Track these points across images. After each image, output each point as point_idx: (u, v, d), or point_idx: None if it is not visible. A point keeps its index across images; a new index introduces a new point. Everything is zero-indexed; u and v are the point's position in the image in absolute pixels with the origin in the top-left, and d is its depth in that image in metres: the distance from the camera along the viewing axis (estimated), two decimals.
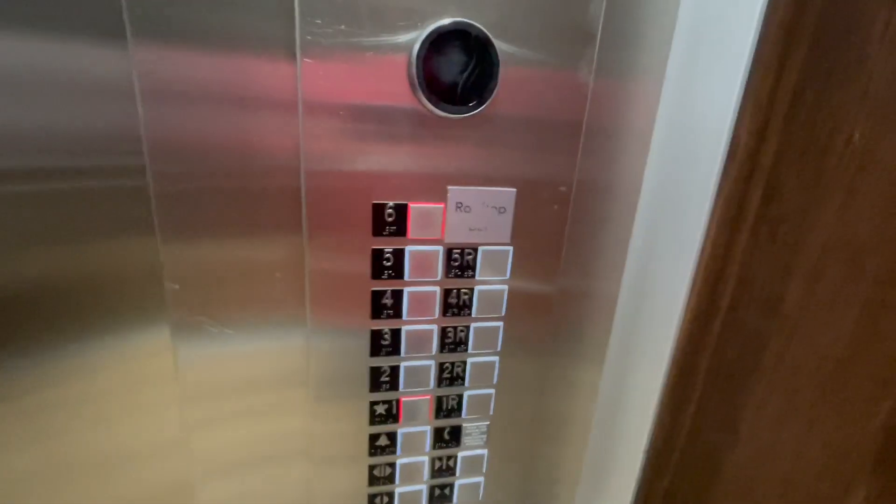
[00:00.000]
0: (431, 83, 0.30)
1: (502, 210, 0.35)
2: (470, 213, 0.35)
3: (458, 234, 0.35)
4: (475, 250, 0.36)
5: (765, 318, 0.31)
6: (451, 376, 0.39)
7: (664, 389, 0.40)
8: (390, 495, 0.42)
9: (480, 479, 0.44)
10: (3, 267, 0.29)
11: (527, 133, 0.34)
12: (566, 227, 0.37)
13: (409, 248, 0.35)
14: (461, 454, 0.42)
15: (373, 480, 0.41)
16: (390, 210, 0.33)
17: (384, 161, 0.32)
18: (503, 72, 0.31)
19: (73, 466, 0.35)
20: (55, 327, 0.31)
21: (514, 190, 0.35)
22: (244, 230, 0.33)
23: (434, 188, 0.34)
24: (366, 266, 0.34)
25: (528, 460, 0.45)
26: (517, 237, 0.36)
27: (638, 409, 0.44)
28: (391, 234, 0.34)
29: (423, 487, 0.43)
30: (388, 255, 0.34)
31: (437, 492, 0.43)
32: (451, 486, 0.43)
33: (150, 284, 0.32)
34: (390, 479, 0.41)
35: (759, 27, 0.30)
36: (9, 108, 0.27)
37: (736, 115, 0.33)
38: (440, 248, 0.35)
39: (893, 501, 0.26)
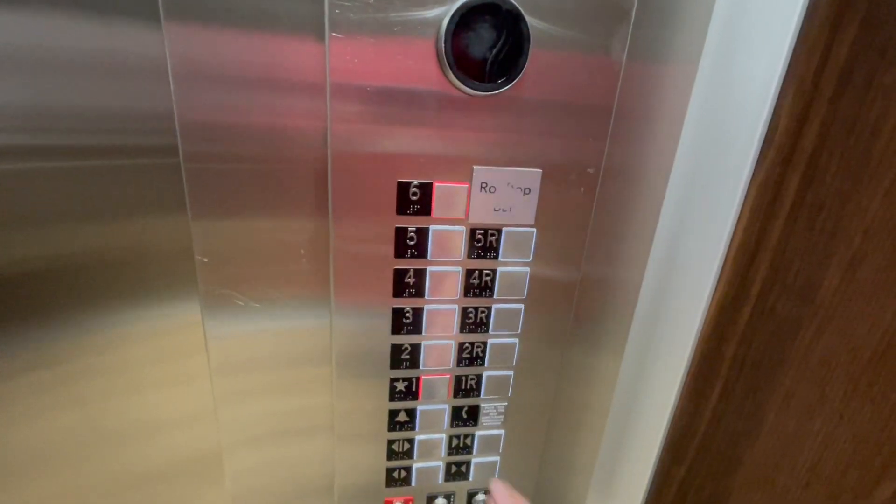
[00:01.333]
0: (460, 59, 0.30)
1: (527, 191, 0.35)
2: (494, 193, 0.34)
3: (482, 215, 0.35)
4: (499, 231, 0.36)
5: (798, 307, 0.30)
6: (470, 356, 0.40)
7: (686, 377, 0.39)
8: (408, 470, 0.43)
9: (497, 458, 0.44)
10: (41, 241, 0.30)
11: (555, 113, 0.33)
12: (592, 209, 0.37)
13: (432, 228, 0.35)
14: (478, 433, 0.43)
15: (391, 455, 0.42)
16: (415, 189, 0.33)
17: (410, 139, 0.32)
18: (533, 49, 0.31)
19: (106, 432, 0.36)
20: (90, 299, 0.33)
21: (540, 171, 0.35)
22: (271, 209, 0.33)
23: (459, 168, 0.34)
24: (389, 245, 0.35)
25: (545, 443, 0.45)
26: (542, 219, 0.36)
27: (658, 397, 0.43)
28: (415, 213, 0.34)
29: (440, 464, 0.43)
30: (411, 233, 0.35)
31: (454, 468, 0.44)
32: (468, 463, 0.44)
33: (183, 260, 0.33)
34: (408, 454, 0.42)
35: (807, 2, 0.29)
36: (45, 87, 0.28)
37: (776, 96, 0.32)
38: (464, 229, 0.35)
39: None
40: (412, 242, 0.35)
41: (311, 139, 0.32)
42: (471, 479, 0.45)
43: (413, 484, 0.44)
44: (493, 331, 0.39)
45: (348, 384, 0.39)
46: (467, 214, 0.35)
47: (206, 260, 0.34)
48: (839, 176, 0.28)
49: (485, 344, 0.39)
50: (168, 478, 0.39)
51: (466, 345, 0.39)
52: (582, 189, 0.36)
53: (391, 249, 0.35)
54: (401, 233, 0.34)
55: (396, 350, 0.38)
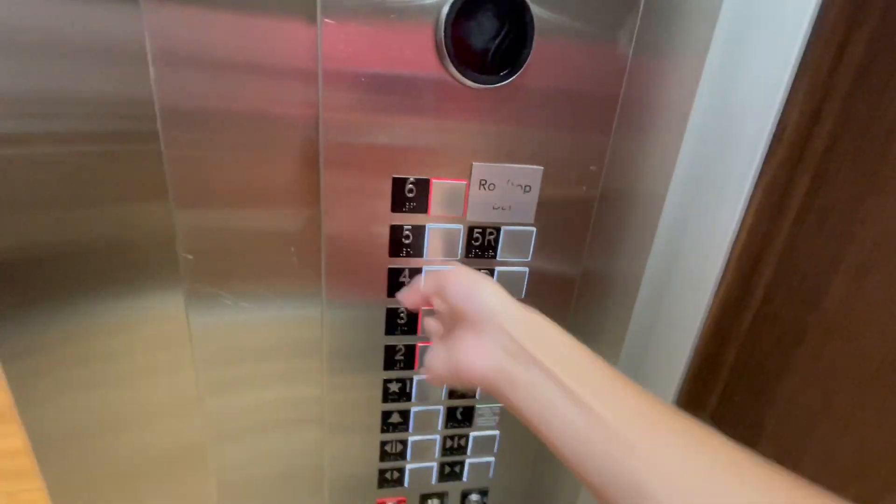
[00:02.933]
0: (460, 50, 0.28)
1: (528, 189, 0.34)
2: (494, 191, 0.33)
3: (481, 213, 0.34)
4: (497, 230, 0.35)
5: (803, 313, 0.29)
6: None
7: (685, 379, 0.39)
8: (401, 471, 0.42)
9: (491, 459, 0.44)
10: (23, 228, 0.29)
11: (558, 108, 0.32)
12: (594, 208, 0.35)
13: (429, 226, 0.33)
14: (473, 434, 0.42)
15: (384, 456, 0.41)
16: (411, 185, 0.32)
17: (407, 134, 0.31)
18: (537, 40, 0.29)
19: (89, 424, 0.35)
20: (73, 287, 0.31)
21: (542, 168, 0.33)
22: (260, 202, 0.32)
23: (458, 164, 0.32)
24: (384, 243, 0.33)
25: (539, 444, 0.45)
26: (542, 218, 0.35)
27: None
28: (411, 211, 0.33)
29: (433, 465, 0.43)
30: (406, 232, 0.33)
31: (448, 469, 0.43)
32: (462, 464, 0.43)
33: (168, 249, 0.32)
34: (401, 455, 0.41)
35: None
36: (23, 71, 0.26)
37: (787, 93, 0.30)
38: (461, 227, 0.34)
39: None
40: (408, 241, 0.33)
41: (302, 128, 0.30)
42: (465, 479, 0.44)
43: (406, 485, 0.43)
44: None
45: (339, 381, 0.37)
46: (465, 212, 0.33)
47: (190, 257, 0.32)
48: (852, 179, 0.27)
49: None
50: (152, 469, 0.38)
51: None
52: (584, 187, 0.35)
53: (385, 248, 0.33)
54: (396, 231, 0.33)
55: (391, 351, 0.37)
